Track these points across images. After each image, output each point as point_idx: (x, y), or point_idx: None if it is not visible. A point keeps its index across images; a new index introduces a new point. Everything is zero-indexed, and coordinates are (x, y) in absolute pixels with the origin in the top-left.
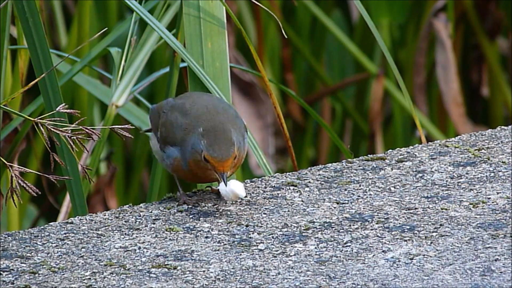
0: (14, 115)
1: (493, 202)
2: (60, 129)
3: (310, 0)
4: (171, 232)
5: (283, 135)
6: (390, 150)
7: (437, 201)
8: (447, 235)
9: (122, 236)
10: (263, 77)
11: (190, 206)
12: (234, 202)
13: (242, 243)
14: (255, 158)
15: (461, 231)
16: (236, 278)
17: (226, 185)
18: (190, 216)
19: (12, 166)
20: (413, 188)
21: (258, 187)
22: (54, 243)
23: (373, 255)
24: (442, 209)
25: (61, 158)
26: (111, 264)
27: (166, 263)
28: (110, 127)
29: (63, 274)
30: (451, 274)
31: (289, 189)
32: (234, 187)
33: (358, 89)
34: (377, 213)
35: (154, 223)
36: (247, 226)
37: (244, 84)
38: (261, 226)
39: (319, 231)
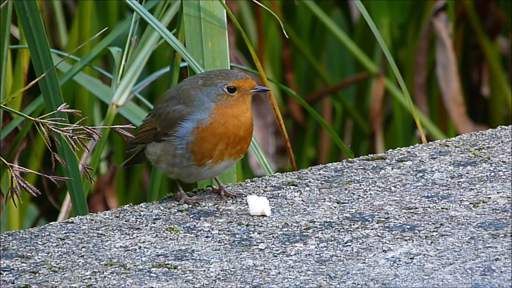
0: (14, 114)
1: (493, 202)
2: (61, 128)
3: (311, 0)
4: (172, 231)
5: (283, 136)
6: (391, 150)
7: (437, 201)
8: (447, 235)
9: (123, 236)
10: (262, 78)
11: (190, 206)
12: (234, 202)
13: (243, 242)
14: (255, 157)
15: (462, 230)
16: (237, 278)
17: (266, 88)
18: (191, 216)
19: (12, 166)
20: (414, 188)
21: (259, 186)
22: (55, 242)
23: (374, 255)
24: (442, 208)
25: (61, 157)
26: (112, 264)
27: (166, 262)
28: (110, 126)
29: (64, 274)
30: (452, 274)
31: (290, 188)
32: (262, 204)
33: (358, 89)
34: (378, 212)
35: (154, 223)
36: (247, 225)
37: None
38: (262, 226)
39: (320, 230)
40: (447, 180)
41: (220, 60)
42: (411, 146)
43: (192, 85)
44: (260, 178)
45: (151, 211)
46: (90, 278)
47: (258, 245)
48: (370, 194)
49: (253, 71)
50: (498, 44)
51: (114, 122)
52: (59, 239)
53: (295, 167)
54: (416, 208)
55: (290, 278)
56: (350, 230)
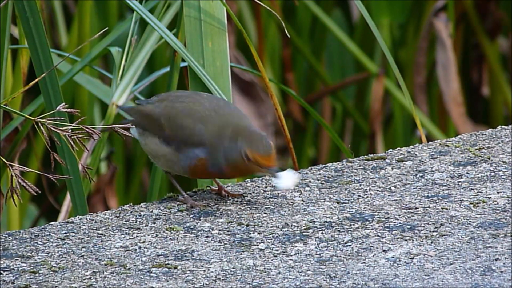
0: (14, 114)
1: (493, 202)
2: (61, 128)
3: (311, 0)
4: (172, 231)
5: (284, 136)
6: (391, 150)
7: (437, 201)
8: (447, 235)
9: (123, 236)
10: (264, 78)
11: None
12: (234, 202)
13: (243, 242)
14: None
15: (462, 230)
16: (237, 278)
17: (278, 177)
18: (191, 216)
19: (12, 166)
20: (414, 188)
21: (259, 186)
22: (55, 242)
23: (374, 255)
24: (442, 208)
25: (61, 157)
26: (112, 264)
27: (166, 262)
28: (110, 126)
29: (64, 274)
30: (452, 274)
31: (290, 188)
32: (290, 177)
33: (359, 89)
34: (378, 212)
35: (154, 223)
36: (247, 225)
37: (244, 83)
38: (262, 226)
39: (320, 230)
40: (447, 180)
41: (220, 60)
42: (411, 146)
43: (225, 125)
44: (260, 178)
45: (151, 211)
46: (90, 278)
47: (258, 245)
48: (370, 194)
49: (254, 71)
50: (498, 44)
51: (114, 122)
52: (59, 239)
53: (297, 167)
54: (416, 208)
55: (290, 278)
56: (350, 230)
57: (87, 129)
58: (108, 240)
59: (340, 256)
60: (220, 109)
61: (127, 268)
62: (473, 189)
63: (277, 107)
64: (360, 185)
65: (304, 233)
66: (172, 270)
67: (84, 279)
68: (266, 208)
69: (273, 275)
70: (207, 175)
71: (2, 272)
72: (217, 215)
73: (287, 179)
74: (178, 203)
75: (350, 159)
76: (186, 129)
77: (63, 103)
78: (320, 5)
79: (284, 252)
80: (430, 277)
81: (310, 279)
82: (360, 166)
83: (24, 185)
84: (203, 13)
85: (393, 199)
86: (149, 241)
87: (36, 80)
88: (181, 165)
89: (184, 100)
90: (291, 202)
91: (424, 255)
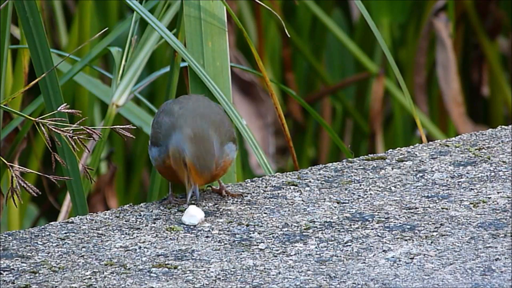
0: (14, 114)
1: (493, 202)
2: (61, 129)
3: (311, 0)
4: (172, 231)
5: (285, 136)
6: (391, 150)
7: (437, 201)
8: (447, 235)
9: (123, 236)
10: (265, 77)
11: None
12: (234, 202)
13: (243, 242)
14: (255, 157)
15: (462, 230)
16: (237, 278)
17: (197, 196)
18: None
19: (12, 166)
20: (414, 188)
21: (259, 186)
22: (55, 242)
23: (374, 255)
24: (442, 208)
25: (61, 157)
26: (112, 264)
27: (166, 262)
28: (110, 127)
29: (64, 274)
30: (452, 274)
31: (290, 188)
32: (193, 213)
33: (359, 89)
34: (378, 212)
35: (154, 223)
36: (247, 225)
37: (244, 83)
38: (262, 226)
39: (320, 230)
40: (447, 180)
41: (220, 60)
42: (411, 146)
43: (183, 117)
44: (260, 178)
45: (151, 211)
46: (90, 278)
47: (258, 245)
48: (370, 194)
49: (254, 71)
50: (498, 44)
51: (114, 122)
52: (59, 239)
53: (297, 166)
54: (416, 208)
55: (290, 278)
56: (350, 230)
57: (87, 130)
58: (108, 240)
59: (340, 256)
60: (196, 110)
61: (127, 268)
62: (473, 189)
63: (277, 106)
64: (360, 185)
65: (304, 233)
66: (172, 270)
67: (84, 279)
68: (266, 208)
69: (273, 275)
70: (164, 173)
71: (2, 272)
72: (217, 215)
73: (193, 213)
74: (164, 203)
75: (350, 159)
76: (153, 128)
77: (65, 104)
78: (320, 5)
79: (284, 252)
80: (430, 277)
81: (310, 279)
82: (360, 166)
83: (24, 185)
84: (203, 12)
85: (393, 199)
86: (149, 241)
87: (36, 80)
88: (154, 166)
89: (176, 104)
90: (291, 202)
91: (424, 255)
